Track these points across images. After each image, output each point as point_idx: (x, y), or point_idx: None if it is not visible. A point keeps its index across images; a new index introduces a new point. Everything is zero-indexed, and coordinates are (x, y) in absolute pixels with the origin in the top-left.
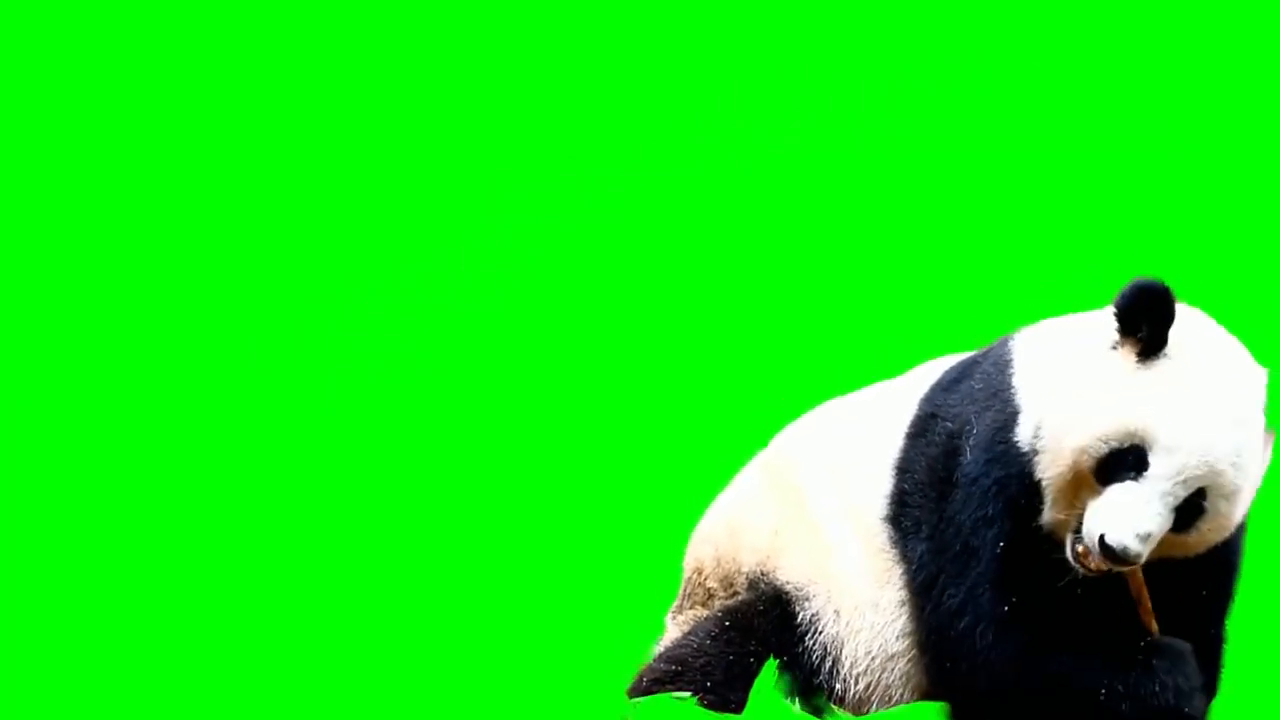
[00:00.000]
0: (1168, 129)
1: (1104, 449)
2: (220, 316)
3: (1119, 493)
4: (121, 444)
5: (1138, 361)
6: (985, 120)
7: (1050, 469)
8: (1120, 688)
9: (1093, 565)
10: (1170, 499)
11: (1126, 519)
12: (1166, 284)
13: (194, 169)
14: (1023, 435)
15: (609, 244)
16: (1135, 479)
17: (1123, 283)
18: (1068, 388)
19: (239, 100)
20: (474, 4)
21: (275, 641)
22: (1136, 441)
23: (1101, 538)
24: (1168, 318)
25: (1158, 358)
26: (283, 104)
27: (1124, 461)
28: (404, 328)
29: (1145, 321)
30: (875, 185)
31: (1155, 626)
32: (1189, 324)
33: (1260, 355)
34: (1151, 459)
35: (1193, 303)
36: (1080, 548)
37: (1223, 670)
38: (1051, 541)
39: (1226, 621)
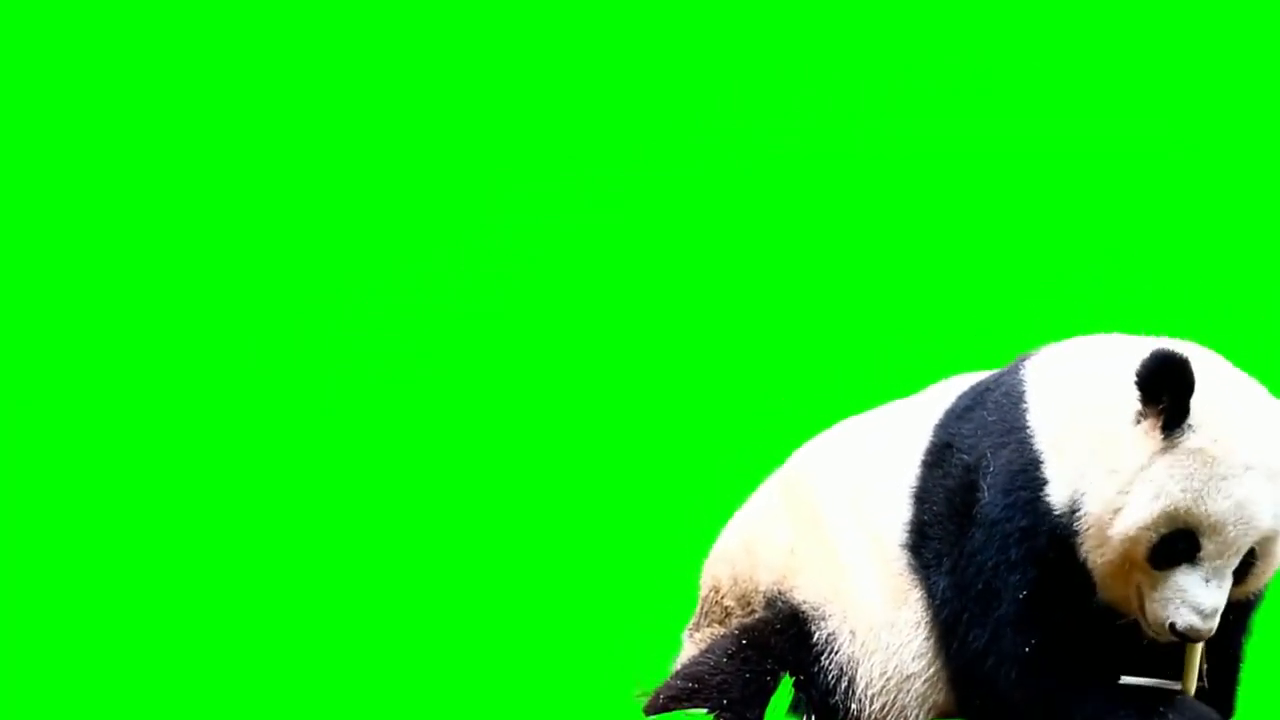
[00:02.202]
0: (1183, 140)
1: (1154, 538)
2: (221, 317)
3: (1179, 577)
4: (121, 444)
5: (1164, 439)
6: (1001, 136)
7: (1097, 555)
8: None
9: (1163, 640)
10: (1227, 570)
11: (1192, 603)
12: (1185, 355)
13: (193, 169)
14: (1054, 498)
15: (628, 260)
16: (1190, 562)
17: (1136, 299)
18: (1096, 463)
19: (238, 100)
20: (474, 4)
21: (284, 670)
22: (1181, 527)
23: (1171, 625)
24: (1188, 388)
25: (1184, 431)
26: (282, 104)
27: (1175, 547)
28: (420, 349)
29: (1166, 392)
30: (896, 202)
31: (1193, 687)
32: (1207, 380)
33: (1266, 358)
34: (1201, 540)
35: (1203, 314)
36: (1151, 630)
37: (1238, 690)
38: (1111, 612)
39: (1245, 642)
